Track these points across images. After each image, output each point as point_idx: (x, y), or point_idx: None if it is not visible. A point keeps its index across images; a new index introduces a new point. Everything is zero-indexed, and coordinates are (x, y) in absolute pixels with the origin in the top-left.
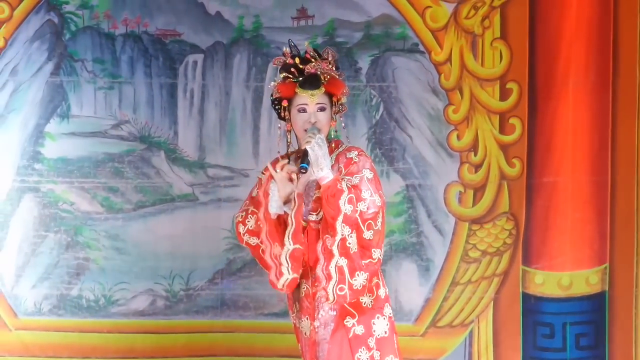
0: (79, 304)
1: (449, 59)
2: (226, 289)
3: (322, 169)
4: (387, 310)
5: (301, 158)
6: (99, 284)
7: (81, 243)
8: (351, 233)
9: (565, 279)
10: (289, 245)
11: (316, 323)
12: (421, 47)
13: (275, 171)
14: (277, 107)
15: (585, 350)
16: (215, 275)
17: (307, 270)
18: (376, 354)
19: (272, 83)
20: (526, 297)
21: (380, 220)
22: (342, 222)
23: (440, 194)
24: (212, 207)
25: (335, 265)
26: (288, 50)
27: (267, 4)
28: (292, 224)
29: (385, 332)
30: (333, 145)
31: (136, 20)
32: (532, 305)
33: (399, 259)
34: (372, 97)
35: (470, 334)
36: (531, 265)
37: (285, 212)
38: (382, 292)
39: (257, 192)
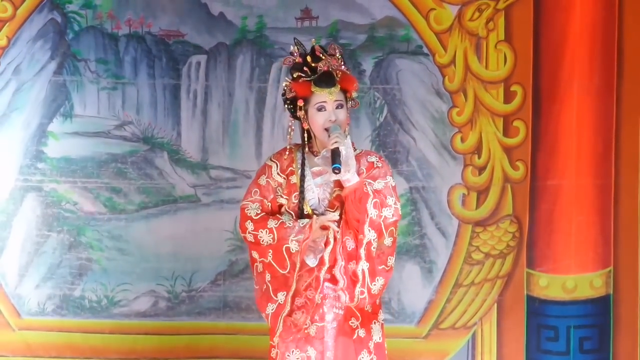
0: (81, 305)
1: (453, 62)
2: (228, 290)
3: (349, 170)
4: (381, 316)
5: (332, 158)
6: (102, 285)
7: (84, 243)
8: (375, 238)
9: (569, 282)
10: (287, 307)
11: (327, 324)
12: (425, 50)
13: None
14: (290, 107)
15: (589, 354)
16: (218, 276)
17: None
18: (375, 358)
19: (285, 82)
20: (530, 300)
21: (397, 229)
22: (368, 225)
23: (443, 196)
24: (215, 209)
25: (361, 269)
26: (296, 49)
27: (270, 4)
28: (293, 285)
29: (380, 338)
30: None
31: (139, 21)
32: (536, 308)
33: (402, 260)
34: (376, 99)
35: (473, 336)
36: (535, 268)
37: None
38: (378, 299)
39: (267, 180)
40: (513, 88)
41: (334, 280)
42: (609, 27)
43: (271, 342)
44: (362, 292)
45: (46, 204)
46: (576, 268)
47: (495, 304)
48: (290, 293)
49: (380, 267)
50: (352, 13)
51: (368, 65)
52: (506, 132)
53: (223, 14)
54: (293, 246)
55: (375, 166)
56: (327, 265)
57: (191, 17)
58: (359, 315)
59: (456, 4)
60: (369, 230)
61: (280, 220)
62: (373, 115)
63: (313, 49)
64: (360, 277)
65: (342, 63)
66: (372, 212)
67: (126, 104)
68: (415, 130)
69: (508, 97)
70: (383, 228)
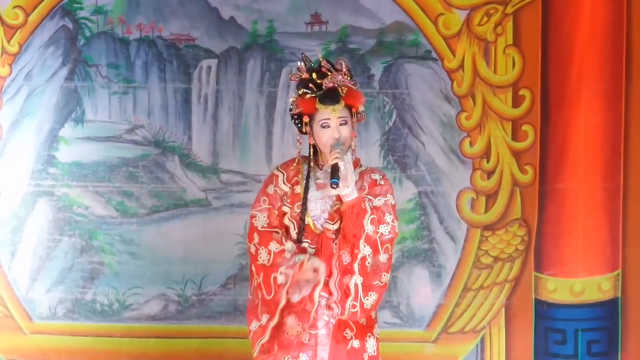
0: (93, 308)
1: (461, 66)
2: (239, 294)
3: (348, 185)
4: (376, 330)
5: (331, 173)
6: (113, 289)
7: (95, 247)
8: (370, 253)
9: (577, 285)
10: (266, 334)
11: (320, 330)
12: (434, 54)
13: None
14: (297, 122)
15: (597, 357)
16: (228, 280)
17: None
18: None
19: (291, 98)
20: (538, 304)
21: (393, 246)
22: (364, 241)
23: (452, 201)
24: (225, 213)
25: (354, 283)
26: (303, 65)
27: (281, 9)
28: (283, 301)
29: (374, 351)
30: (354, 163)
31: (150, 25)
32: (544, 312)
33: (411, 265)
34: (385, 104)
35: (482, 340)
36: (543, 271)
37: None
38: (373, 313)
39: (274, 189)
40: (521, 92)
41: (328, 290)
42: (618, 31)
43: (262, 347)
44: (353, 306)
45: (58, 208)
46: (584, 271)
47: (504, 308)
48: (272, 322)
49: (374, 283)
50: (361, 18)
51: (377, 69)
52: (515, 136)
53: (234, 18)
54: (280, 278)
55: (377, 184)
56: (316, 301)
57: (202, 22)
58: (353, 327)
59: (465, 8)
60: (365, 245)
61: (282, 247)
62: (382, 120)
63: (319, 65)
64: (353, 291)
65: (349, 78)
66: (368, 228)
67: (137, 108)
68: (424, 134)
69: (516, 101)
70: (379, 244)
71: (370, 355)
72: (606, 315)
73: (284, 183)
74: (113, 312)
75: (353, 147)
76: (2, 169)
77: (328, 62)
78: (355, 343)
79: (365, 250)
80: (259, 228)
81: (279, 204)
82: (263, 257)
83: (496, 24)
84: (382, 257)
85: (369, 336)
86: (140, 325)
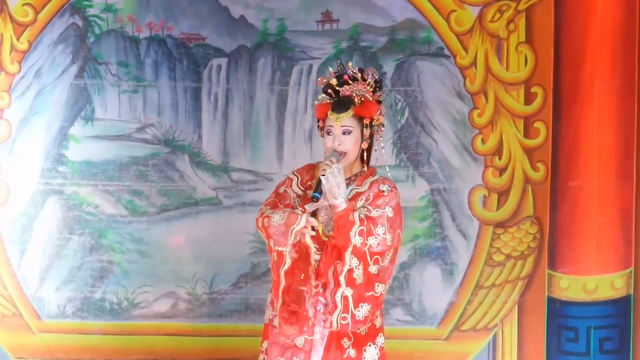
0: (102, 307)
1: (474, 63)
2: (250, 293)
3: (335, 197)
4: (380, 340)
5: (315, 187)
6: (122, 287)
7: (105, 246)
8: (359, 265)
9: (590, 283)
10: (283, 282)
11: (315, 336)
12: (446, 51)
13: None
14: (318, 125)
15: (609, 355)
16: (240, 279)
17: (309, 280)
18: None
19: (315, 102)
20: (551, 301)
21: (388, 257)
22: (351, 253)
23: (464, 198)
24: (236, 211)
25: (341, 295)
26: (333, 70)
27: (291, 7)
28: (286, 262)
29: None
30: (368, 172)
31: (160, 24)
32: (557, 309)
33: (423, 262)
34: (397, 101)
35: (494, 337)
36: (556, 269)
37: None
38: (378, 322)
39: (285, 189)
40: (534, 89)
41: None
42: (630, 28)
43: (260, 347)
44: (343, 318)
45: (67, 207)
46: (597, 269)
47: (516, 306)
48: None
49: (367, 294)
50: (372, 15)
51: (389, 67)
52: (527, 134)
53: (244, 16)
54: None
55: (381, 195)
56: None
57: (212, 20)
58: (351, 336)
59: (477, 5)
60: (352, 257)
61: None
62: (394, 118)
63: (344, 72)
64: (341, 303)
65: (374, 89)
66: (356, 239)
67: (147, 107)
68: (436, 132)
69: (529, 99)
70: (368, 256)
71: None
72: (619, 313)
73: (298, 187)
74: (122, 311)
75: (367, 159)
76: (12, 167)
77: (360, 70)
78: (352, 352)
79: (352, 262)
80: (263, 211)
81: (287, 202)
82: (276, 218)
83: (508, 20)
84: (372, 269)
85: (369, 345)
86: (149, 323)
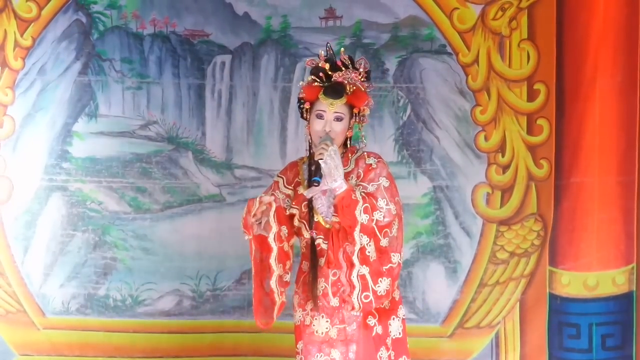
0: (106, 304)
1: (476, 60)
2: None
3: (335, 180)
4: (401, 312)
5: (314, 171)
6: (126, 284)
7: (109, 243)
8: (369, 242)
9: (591, 279)
10: (276, 270)
11: (341, 324)
12: (448, 49)
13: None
14: (301, 107)
15: (611, 351)
16: (243, 275)
17: (325, 271)
18: (392, 354)
19: (301, 82)
20: (552, 298)
21: (395, 226)
22: (360, 231)
23: (467, 195)
24: (240, 208)
25: (357, 275)
26: (323, 53)
27: (295, 4)
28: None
29: (400, 333)
30: (349, 152)
31: (164, 21)
32: (558, 306)
33: (426, 260)
34: (400, 98)
35: (497, 335)
36: (558, 265)
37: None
38: (396, 294)
39: (272, 193)
40: (536, 86)
41: (343, 285)
42: (632, 25)
43: (296, 349)
44: (366, 297)
45: (71, 203)
46: (598, 265)
47: (518, 303)
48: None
49: (384, 268)
50: (375, 12)
51: (391, 64)
52: (530, 131)
53: (247, 13)
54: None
55: (371, 168)
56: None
57: (216, 17)
58: (375, 313)
59: (479, 3)
60: (361, 236)
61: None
62: (397, 114)
63: (338, 57)
64: (359, 283)
65: (363, 79)
66: (362, 217)
67: (151, 104)
68: (438, 129)
69: (531, 96)
70: (377, 231)
71: (394, 339)
72: (620, 309)
73: (286, 187)
74: (126, 308)
75: (349, 146)
76: (15, 163)
77: (350, 58)
78: (379, 329)
79: (362, 240)
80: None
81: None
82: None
83: (511, 18)
84: (383, 242)
85: (393, 319)
86: (153, 320)
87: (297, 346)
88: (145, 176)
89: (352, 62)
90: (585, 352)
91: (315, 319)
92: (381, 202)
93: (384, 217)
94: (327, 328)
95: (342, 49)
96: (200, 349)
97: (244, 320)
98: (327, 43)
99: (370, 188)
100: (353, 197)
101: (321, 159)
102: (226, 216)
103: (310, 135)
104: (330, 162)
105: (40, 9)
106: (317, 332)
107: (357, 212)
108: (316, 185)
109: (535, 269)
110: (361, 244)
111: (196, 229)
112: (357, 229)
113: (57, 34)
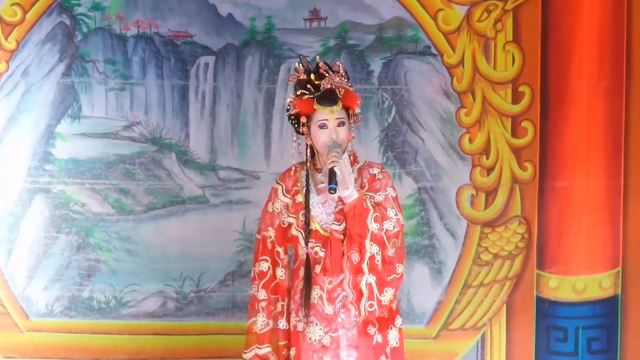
0: (90, 306)
1: (461, 62)
2: (237, 290)
3: (347, 187)
4: (398, 321)
5: (329, 179)
6: (110, 286)
7: (92, 244)
8: (378, 251)
9: (579, 283)
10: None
11: (340, 331)
12: (433, 50)
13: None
14: (294, 123)
15: (597, 355)
16: (227, 277)
17: (321, 278)
18: None
19: (288, 99)
20: (540, 301)
21: (401, 236)
22: (370, 240)
23: (452, 197)
24: (223, 209)
25: (366, 283)
26: (301, 66)
27: (279, 5)
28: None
29: (397, 342)
30: (351, 159)
31: (148, 22)
32: (546, 309)
33: (411, 261)
34: (384, 99)
35: (483, 337)
36: (545, 269)
37: None
38: (394, 304)
39: (273, 207)
40: (521, 89)
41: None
42: (618, 28)
43: (288, 355)
44: (370, 305)
45: (54, 205)
46: (586, 269)
47: (505, 305)
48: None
49: (389, 278)
50: (360, 14)
51: (376, 65)
52: (514, 133)
53: (231, 15)
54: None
55: (376, 178)
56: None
57: (200, 18)
58: (375, 322)
59: (464, 4)
60: (371, 244)
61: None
62: (381, 116)
63: (317, 66)
64: (366, 291)
65: (346, 80)
66: (372, 226)
67: (134, 105)
68: (423, 130)
69: (516, 98)
70: (385, 240)
71: (392, 347)
72: (606, 313)
73: (284, 195)
74: (110, 309)
75: (351, 149)
76: None
77: (325, 63)
78: (379, 338)
79: (372, 248)
80: (257, 273)
81: (277, 222)
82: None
83: (496, 20)
84: (390, 252)
85: (391, 328)
86: (138, 322)
87: (290, 352)
88: (129, 177)
89: (330, 67)
90: (572, 355)
91: (309, 325)
92: (390, 212)
93: (393, 226)
94: (320, 335)
95: (318, 56)
96: (185, 350)
97: (228, 321)
98: (300, 55)
99: (378, 197)
100: (365, 206)
101: (336, 167)
102: (210, 218)
103: (312, 147)
104: (345, 169)
105: (25, 12)
106: (310, 339)
107: (368, 221)
108: (333, 193)
109: (521, 271)
110: (371, 252)
111: (180, 230)
112: (369, 237)
113: (41, 37)
